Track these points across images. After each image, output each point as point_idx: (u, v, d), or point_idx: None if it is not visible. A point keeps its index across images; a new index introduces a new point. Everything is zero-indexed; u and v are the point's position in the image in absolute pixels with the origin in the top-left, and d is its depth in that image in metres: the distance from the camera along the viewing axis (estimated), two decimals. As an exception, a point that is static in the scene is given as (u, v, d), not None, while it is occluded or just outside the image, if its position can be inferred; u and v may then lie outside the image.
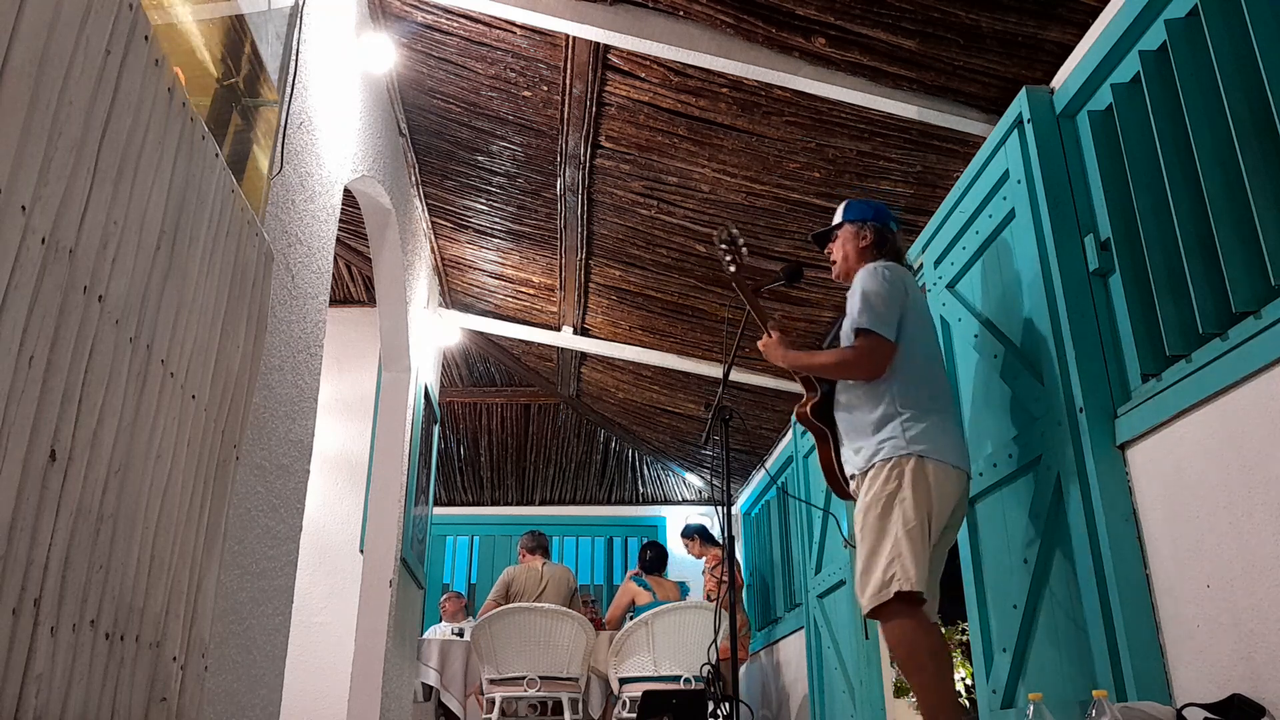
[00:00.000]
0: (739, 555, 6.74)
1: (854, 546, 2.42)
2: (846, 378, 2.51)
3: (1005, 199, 2.72)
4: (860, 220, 2.64)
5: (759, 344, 2.71)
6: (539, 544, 5.62)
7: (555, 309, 5.51)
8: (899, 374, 2.41)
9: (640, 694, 3.98)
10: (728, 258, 2.85)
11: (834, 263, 2.70)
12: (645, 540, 6.65)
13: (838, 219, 2.71)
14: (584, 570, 7.91)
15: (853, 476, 2.48)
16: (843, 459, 2.54)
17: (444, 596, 6.59)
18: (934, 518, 2.28)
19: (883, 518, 2.29)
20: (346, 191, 3.64)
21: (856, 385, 2.47)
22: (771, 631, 5.93)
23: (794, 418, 2.75)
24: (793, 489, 5.39)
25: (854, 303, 2.46)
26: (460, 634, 5.42)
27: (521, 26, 3.38)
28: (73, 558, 1.48)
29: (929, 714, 2.21)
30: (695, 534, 5.87)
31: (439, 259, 5.44)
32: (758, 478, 6.47)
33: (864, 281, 2.46)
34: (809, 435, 2.86)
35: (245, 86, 2.31)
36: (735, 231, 2.88)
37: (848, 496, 2.56)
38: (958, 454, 2.38)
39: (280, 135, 2.55)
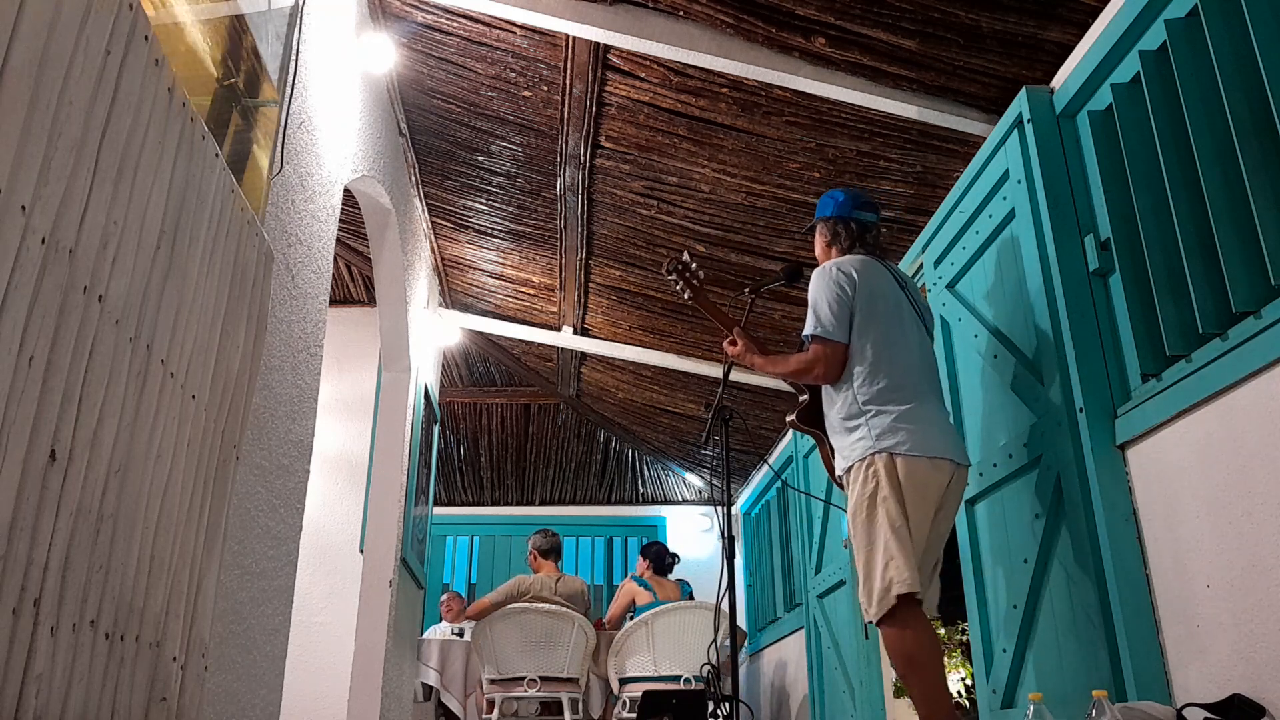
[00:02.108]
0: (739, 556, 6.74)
1: (852, 548, 2.42)
2: (806, 382, 2.59)
3: (1005, 199, 2.72)
4: (821, 218, 2.70)
5: (726, 347, 2.74)
6: (553, 545, 5.28)
7: (555, 309, 5.51)
8: (858, 371, 2.42)
9: (640, 694, 3.98)
10: (678, 285, 2.88)
11: None
12: (646, 540, 6.65)
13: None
14: (584, 571, 7.91)
15: (842, 476, 2.49)
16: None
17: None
18: (911, 513, 2.27)
19: (869, 521, 2.29)
20: (346, 191, 3.64)
21: (827, 387, 2.52)
22: (771, 631, 5.93)
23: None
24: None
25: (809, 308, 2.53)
26: (460, 634, 5.41)
27: (521, 26, 3.38)
28: (73, 558, 1.48)
29: (927, 716, 2.21)
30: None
31: (439, 259, 5.44)
32: (758, 478, 6.47)
33: (811, 287, 2.52)
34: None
35: (245, 86, 2.31)
36: (687, 258, 2.89)
37: None
38: (933, 443, 2.33)
39: (280, 135, 2.55)
